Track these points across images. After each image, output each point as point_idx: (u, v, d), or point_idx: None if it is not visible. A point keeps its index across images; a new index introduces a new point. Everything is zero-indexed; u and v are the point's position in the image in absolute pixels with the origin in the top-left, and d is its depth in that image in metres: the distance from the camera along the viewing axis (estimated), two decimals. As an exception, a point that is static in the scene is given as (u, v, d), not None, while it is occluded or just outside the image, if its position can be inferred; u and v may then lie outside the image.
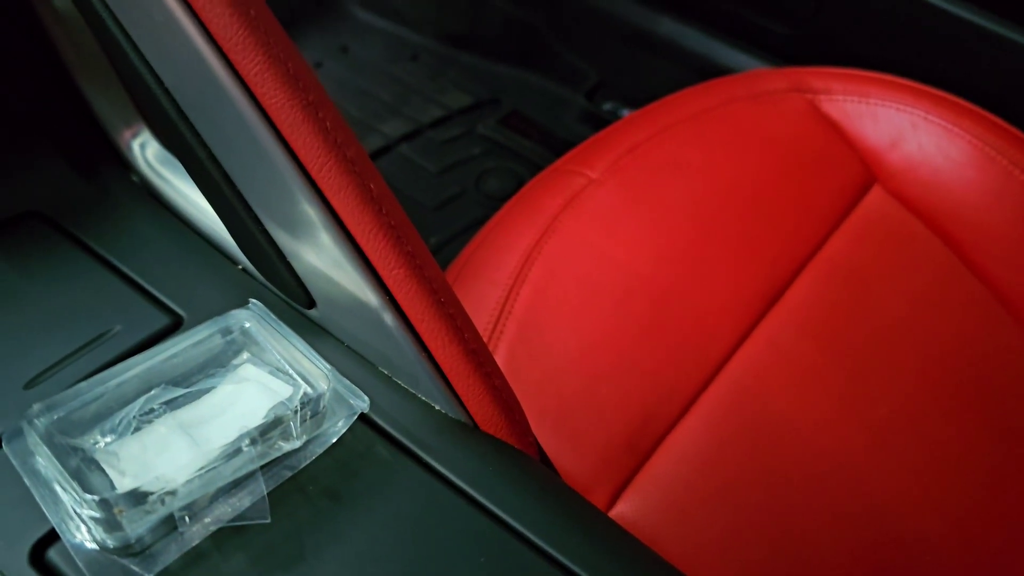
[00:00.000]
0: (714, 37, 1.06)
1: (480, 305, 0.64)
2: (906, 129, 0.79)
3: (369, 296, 0.36)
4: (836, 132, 0.79)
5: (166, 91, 0.36)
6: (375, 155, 1.10)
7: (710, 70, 1.07)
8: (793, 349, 0.66)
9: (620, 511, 0.57)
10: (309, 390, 0.35)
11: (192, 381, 0.36)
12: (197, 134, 0.37)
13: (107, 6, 0.36)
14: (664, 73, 1.09)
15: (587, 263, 0.67)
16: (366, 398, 0.36)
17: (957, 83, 0.82)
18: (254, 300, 0.39)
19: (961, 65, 0.89)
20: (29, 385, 0.37)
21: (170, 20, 0.33)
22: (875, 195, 0.77)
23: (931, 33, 0.90)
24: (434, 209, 1.04)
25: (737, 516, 0.58)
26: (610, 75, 1.14)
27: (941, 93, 0.79)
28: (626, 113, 1.14)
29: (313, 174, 0.34)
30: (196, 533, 0.31)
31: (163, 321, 0.40)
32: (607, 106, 1.14)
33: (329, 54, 1.23)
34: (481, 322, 0.64)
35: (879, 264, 0.72)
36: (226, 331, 0.37)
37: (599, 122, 1.12)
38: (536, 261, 0.66)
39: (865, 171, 0.77)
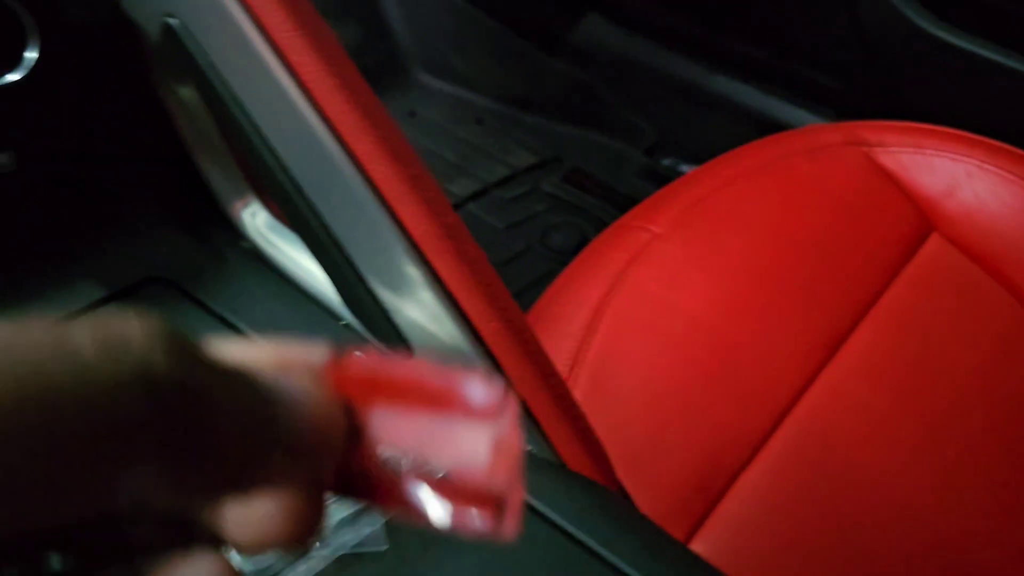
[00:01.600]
0: (769, 92, 1.10)
1: (554, 356, 0.68)
2: (961, 178, 0.81)
3: (465, 347, 0.40)
4: (892, 183, 0.82)
5: (285, 169, 0.41)
6: (443, 213, 1.15)
7: (766, 124, 1.10)
8: (858, 394, 0.67)
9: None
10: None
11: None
12: (311, 205, 0.42)
13: (235, 96, 0.41)
14: (721, 128, 1.13)
15: (654, 314, 0.70)
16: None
17: (1010, 132, 0.84)
18: (358, 353, 0.43)
19: (1013, 114, 0.91)
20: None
21: (294, 111, 0.38)
22: (933, 243, 0.79)
23: (982, 84, 0.92)
24: (502, 265, 1.08)
25: (809, 558, 0.59)
26: (668, 131, 1.19)
27: (994, 142, 0.81)
28: (685, 168, 1.18)
29: (416, 239, 0.39)
30: (322, 559, 0.35)
31: (278, 372, 0.44)
32: (666, 161, 1.18)
33: (398, 118, 1.30)
34: (555, 371, 0.67)
35: (940, 310, 0.74)
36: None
37: (659, 177, 1.16)
38: (605, 314, 0.70)
39: (922, 220, 0.79)
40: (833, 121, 1.08)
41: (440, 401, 0.19)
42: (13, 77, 0.41)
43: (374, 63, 1.31)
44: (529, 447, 0.41)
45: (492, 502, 0.19)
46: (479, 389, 0.18)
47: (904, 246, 0.78)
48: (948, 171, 0.82)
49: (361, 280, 0.43)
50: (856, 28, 0.99)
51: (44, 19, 0.41)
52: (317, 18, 0.39)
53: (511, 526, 0.19)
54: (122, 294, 0.49)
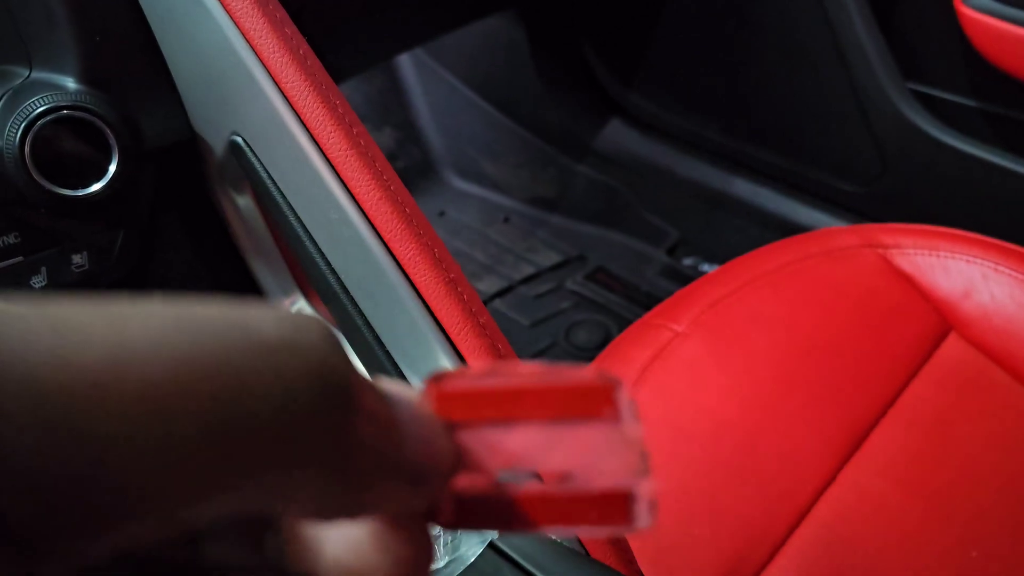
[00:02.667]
0: (787, 195, 1.14)
1: (578, 449, 0.70)
2: (977, 280, 0.84)
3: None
4: (909, 284, 0.84)
5: (334, 271, 0.45)
6: (472, 310, 1.19)
7: (784, 226, 1.14)
8: (879, 493, 0.68)
9: (717, 648, 0.60)
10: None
11: (348, 511, 0.42)
12: (355, 303, 0.45)
13: (290, 204, 0.46)
14: (741, 230, 1.17)
15: (676, 410, 0.72)
16: (495, 527, 0.42)
17: (1022, 236, 0.87)
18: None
19: (1025, 219, 0.94)
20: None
21: (344, 218, 0.42)
22: (952, 343, 0.81)
23: (994, 189, 0.96)
24: (528, 360, 1.11)
25: (833, 659, 0.60)
26: (690, 232, 1.23)
27: (1007, 245, 0.84)
28: (706, 267, 1.22)
29: (453, 337, 0.42)
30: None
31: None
32: (688, 261, 1.22)
33: (429, 218, 1.35)
34: (579, 465, 0.69)
35: (959, 409, 0.75)
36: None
37: (680, 276, 1.20)
38: (629, 409, 0.72)
39: (940, 320, 0.82)
40: (850, 223, 1.12)
41: (553, 403, 0.17)
42: (96, 188, 0.46)
43: (408, 166, 1.38)
44: (553, 536, 0.43)
45: (625, 498, 0.17)
46: (595, 381, 0.17)
47: (923, 346, 0.80)
48: (964, 273, 0.84)
49: (400, 374, 0.46)
50: (869, 135, 1.04)
51: (125, 140, 0.46)
52: (368, 138, 0.43)
53: (647, 517, 0.17)
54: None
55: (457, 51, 1.34)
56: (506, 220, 1.33)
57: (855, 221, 1.11)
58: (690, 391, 0.74)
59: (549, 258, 1.26)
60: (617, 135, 1.28)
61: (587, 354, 1.12)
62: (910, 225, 0.89)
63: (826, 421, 0.72)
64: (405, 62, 1.37)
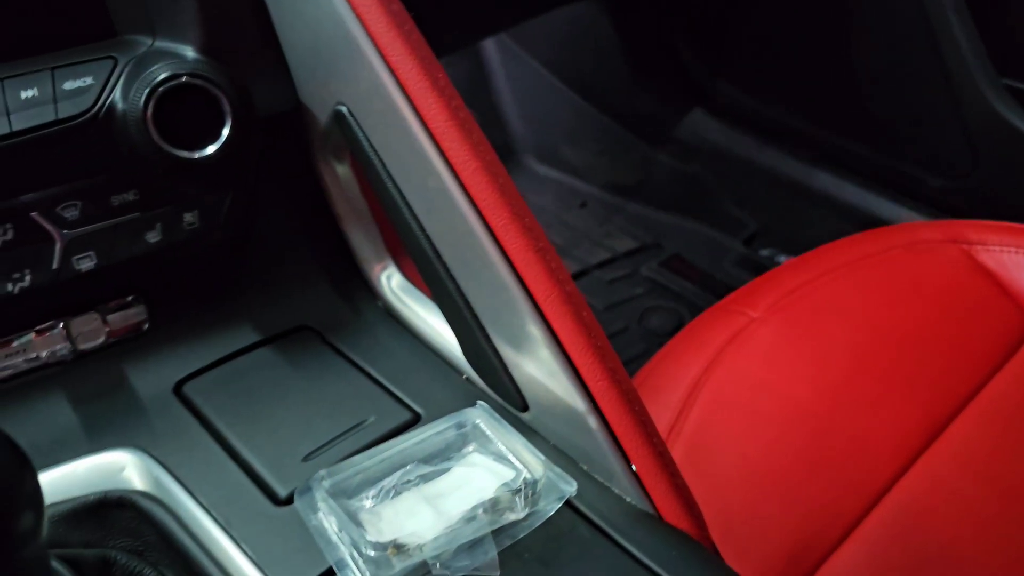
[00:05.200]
0: (869, 189, 1.13)
1: (650, 426, 0.71)
2: (1066, 280, 0.82)
3: (577, 402, 0.44)
4: (993, 281, 0.83)
5: (428, 237, 0.48)
6: (546, 292, 1.21)
7: (865, 220, 1.13)
8: (955, 483, 0.68)
9: (782, 626, 0.61)
10: (528, 475, 0.43)
11: (433, 463, 0.45)
12: (449, 270, 0.48)
13: (390, 174, 0.48)
14: (821, 222, 1.16)
15: (750, 393, 0.73)
16: (574, 483, 0.43)
17: (1119, 237, 0.84)
18: (481, 401, 0.48)
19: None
20: (306, 459, 0.47)
21: (441, 187, 0.44)
22: (1037, 342, 0.79)
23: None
24: (599, 342, 1.13)
25: (899, 647, 0.60)
26: (768, 223, 1.22)
27: (1100, 245, 0.81)
28: (784, 259, 1.21)
29: (540, 302, 0.44)
30: (441, 580, 0.39)
31: (406, 416, 0.50)
32: (765, 252, 1.21)
33: (507, 201, 1.37)
34: (651, 442, 0.70)
35: (1043, 409, 0.74)
36: (460, 425, 0.46)
37: (757, 267, 1.19)
38: (703, 390, 0.73)
39: (1024, 318, 0.80)
40: (934, 219, 1.10)
41: None
42: (211, 151, 0.49)
43: (488, 149, 1.40)
44: (628, 498, 0.45)
45: None
46: None
47: (1004, 343, 0.78)
48: (1051, 272, 0.83)
49: (486, 337, 0.48)
50: (959, 129, 1.02)
51: (238, 106, 0.49)
52: (466, 110, 0.45)
53: None
54: (274, 339, 0.56)
55: (542, 36, 1.35)
56: (583, 205, 1.34)
57: (939, 217, 1.09)
58: (765, 374, 0.74)
59: (625, 244, 1.27)
60: (699, 124, 1.28)
61: (659, 339, 1.13)
62: (997, 222, 0.87)
63: (902, 411, 0.72)
64: (490, 47, 1.39)
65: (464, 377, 0.53)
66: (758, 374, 0.75)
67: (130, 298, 0.55)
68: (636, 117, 1.32)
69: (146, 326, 0.56)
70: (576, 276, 1.24)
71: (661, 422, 0.70)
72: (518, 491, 0.42)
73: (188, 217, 0.53)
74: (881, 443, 0.70)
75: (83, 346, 0.54)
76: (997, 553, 0.63)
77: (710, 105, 1.26)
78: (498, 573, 0.40)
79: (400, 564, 0.38)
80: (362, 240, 0.59)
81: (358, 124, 0.49)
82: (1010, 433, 0.71)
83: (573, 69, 1.36)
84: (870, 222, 1.10)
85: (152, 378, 0.53)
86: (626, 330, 1.14)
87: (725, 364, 0.75)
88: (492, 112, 1.43)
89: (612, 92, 1.33)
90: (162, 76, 0.48)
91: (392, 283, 0.59)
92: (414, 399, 0.51)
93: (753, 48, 1.20)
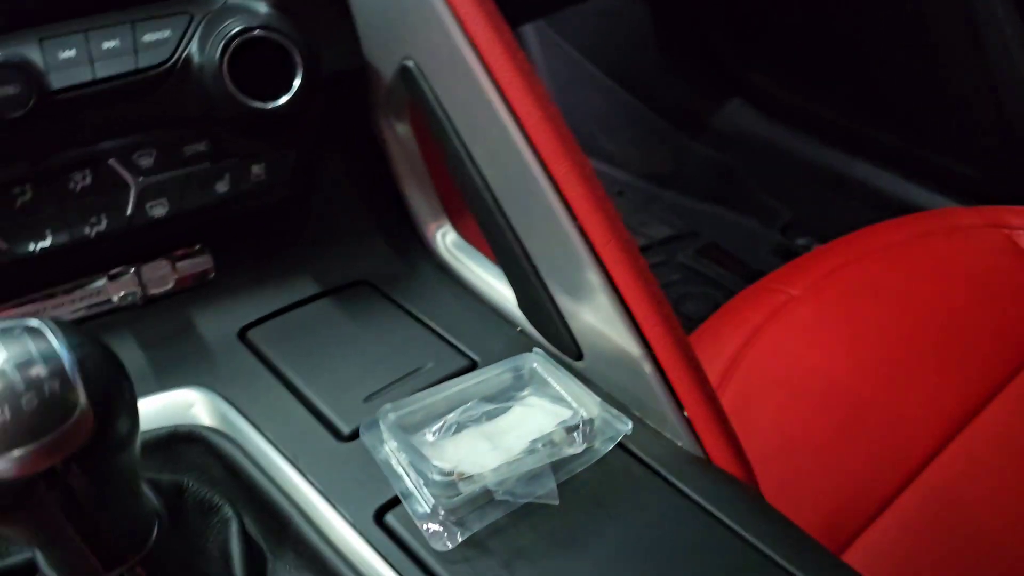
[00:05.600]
0: (906, 178, 1.13)
1: (691, 396, 0.72)
2: (1107, 265, 0.82)
3: (633, 348, 0.46)
4: (1034, 266, 0.83)
5: (489, 188, 0.49)
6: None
7: (902, 209, 1.13)
8: (991, 464, 0.68)
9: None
10: (584, 413, 0.44)
11: (493, 403, 0.46)
12: (509, 221, 0.49)
13: (455, 128, 0.50)
14: (857, 211, 1.17)
15: (788, 368, 0.74)
16: (629, 422, 0.45)
17: None
18: (537, 348, 0.49)
19: None
20: (367, 400, 0.49)
21: (505, 137, 0.46)
22: (1077, 327, 0.79)
23: None
24: (634, 325, 1.14)
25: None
26: (804, 212, 1.23)
27: None
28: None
29: (598, 249, 0.45)
30: (501, 508, 0.41)
31: (462, 362, 0.52)
32: (801, 241, 1.22)
33: (543, 189, 1.39)
34: (691, 411, 0.72)
35: (1082, 391, 0.74)
36: (516, 369, 0.48)
37: (793, 256, 1.20)
38: (740, 366, 0.74)
39: (1066, 303, 0.80)
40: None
41: None
42: (283, 100, 0.51)
43: (525, 136, 1.42)
44: (679, 443, 0.46)
45: None
46: None
47: (1045, 328, 0.79)
48: (1092, 259, 0.83)
49: (544, 287, 0.49)
50: (998, 114, 1.02)
51: (309, 60, 0.51)
52: (529, 65, 0.47)
53: None
54: (334, 291, 0.58)
55: (580, 25, 1.37)
56: (620, 193, 1.36)
57: (976, 205, 1.09)
58: (803, 351, 0.75)
59: (661, 232, 1.28)
60: (735, 114, 1.29)
61: (695, 324, 1.13)
62: (1039, 209, 0.88)
63: (939, 391, 0.73)
64: (529, 33, 1.41)
65: (518, 329, 0.55)
66: (796, 350, 0.76)
67: (198, 247, 0.57)
68: (671, 106, 1.34)
69: (212, 275, 0.58)
70: (611, 262, 1.25)
71: (702, 390, 0.71)
72: (575, 428, 0.44)
73: (255, 170, 0.55)
74: (918, 422, 0.70)
75: (153, 291, 0.56)
76: (1034, 524, 0.63)
77: (745, 94, 1.27)
78: (557, 502, 0.41)
79: (466, 488, 0.40)
80: (419, 199, 0.61)
81: (425, 78, 0.51)
82: (1049, 412, 0.71)
83: (608, 58, 1.38)
84: (906, 210, 1.10)
85: (218, 324, 0.56)
86: (661, 314, 1.15)
87: (764, 340, 0.76)
88: (530, 100, 1.44)
89: (647, 81, 1.34)
90: (236, 29, 0.50)
91: (447, 240, 0.61)
92: (470, 347, 0.53)
93: (787, 38, 1.21)
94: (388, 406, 0.45)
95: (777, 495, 0.66)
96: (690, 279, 1.20)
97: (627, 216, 1.32)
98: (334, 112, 0.59)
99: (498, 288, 0.56)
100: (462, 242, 0.60)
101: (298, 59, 0.51)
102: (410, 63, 0.51)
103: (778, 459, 0.68)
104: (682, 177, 1.33)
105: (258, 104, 0.51)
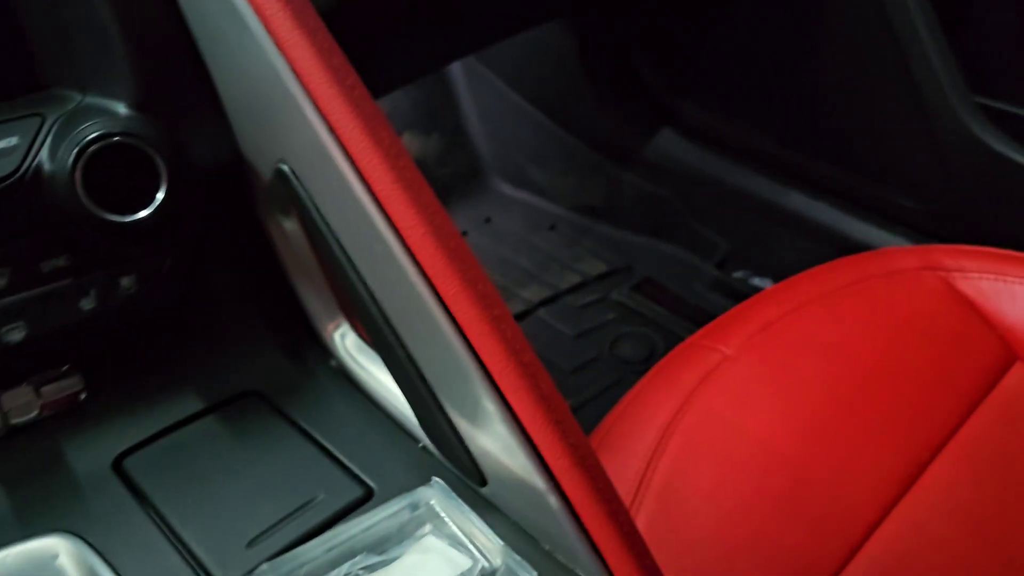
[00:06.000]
0: (843, 210, 1.11)
1: (621, 476, 0.68)
2: (1045, 307, 0.80)
3: (536, 480, 0.41)
4: (972, 310, 0.81)
5: (376, 302, 0.45)
6: (516, 319, 1.19)
7: (839, 241, 1.11)
8: (936, 530, 0.66)
9: None
10: (485, 563, 0.40)
11: (385, 549, 0.42)
12: (399, 337, 0.45)
13: (336, 237, 0.45)
14: (794, 244, 1.14)
15: (724, 438, 0.71)
16: (535, 573, 0.41)
17: (1095, 263, 0.83)
18: (436, 478, 0.45)
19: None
20: (250, 544, 0.44)
21: (388, 252, 0.42)
22: (1017, 373, 0.78)
23: (1064, 213, 0.92)
24: (571, 372, 1.10)
25: None
26: (741, 245, 1.20)
27: (1079, 272, 0.80)
28: (757, 281, 1.19)
29: (495, 376, 0.41)
30: None
31: (358, 492, 0.47)
32: (738, 274, 1.19)
33: (474, 225, 1.35)
34: (622, 493, 0.68)
35: None
36: (414, 505, 0.44)
37: (730, 290, 1.17)
38: (674, 435, 0.70)
39: (1005, 349, 0.79)
40: (909, 241, 1.08)
41: None
42: (145, 214, 0.46)
43: (455, 172, 1.37)
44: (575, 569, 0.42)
45: None
46: None
47: (986, 375, 0.77)
48: (1031, 299, 0.81)
49: (441, 410, 0.45)
50: (931, 148, 1.00)
51: (174, 165, 0.46)
52: (414, 170, 0.42)
53: None
54: (220, 405, 0.53)
55: (507, 58, 1.33)
56: (552, 228, 1.32)
57: (914, 239, 1.08)
58: (738, 417, 0.72)
59: (595, 267, 1.25)
60: (667, 144, 1.26)
61: (631, 367, 1.10)
62: (973, 248, 0.86)
63: (882, 453, 0.70)
64: (455, 67, 1.37)
65: (421, 446, 0.50)
66: (731, 417, 0.72)
67: (65, 367, 0.52)
68: (603, 137, 1.30)
69: (83, 396, 0.52)
70: (547, 302, 1.21)
71: (630, 471, 0.67)
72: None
73: (125, 282, 0.50)
74: (861, 488, 0.67)
75: (15, 420, 0.51)
76: (981, 606, 0.61)
77: (676, 125, 1.25)
78: None
79: (345, 678, 0.35)
80: (313, 297, 0.56)
81: (301, 183, 0.46)
82: (992, 473, 0.69)
83: (539, 90, 1.34)
84: (843, 243, 1.09)
85: (90, 453, 0.50)
86: (597, 359, 1.12)
87: (697, 406, 0.72)
88: (458, 133, 1.40)
89: (579, 113, 1.31)
90: (92, 135, 0.45)
91: (346, 342, 0.56)
92: (367, 472, 0.48)
93: (718, 68, 1.18)
94: (265, 566, 0.40)
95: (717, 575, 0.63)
96: (626, 318, 1.16)
97: (560, 250, 1.28)
98: (216, 208, 0.54)
99: (401, 397, 0.52)
100: (363, 344, 0.56)
101: (162, 167, 0.46)
102: (285, 167, 0.46)
103: (717, 541, 0.65)
104: (616, 209, 1.30)
105: (117, 218, 0.46)
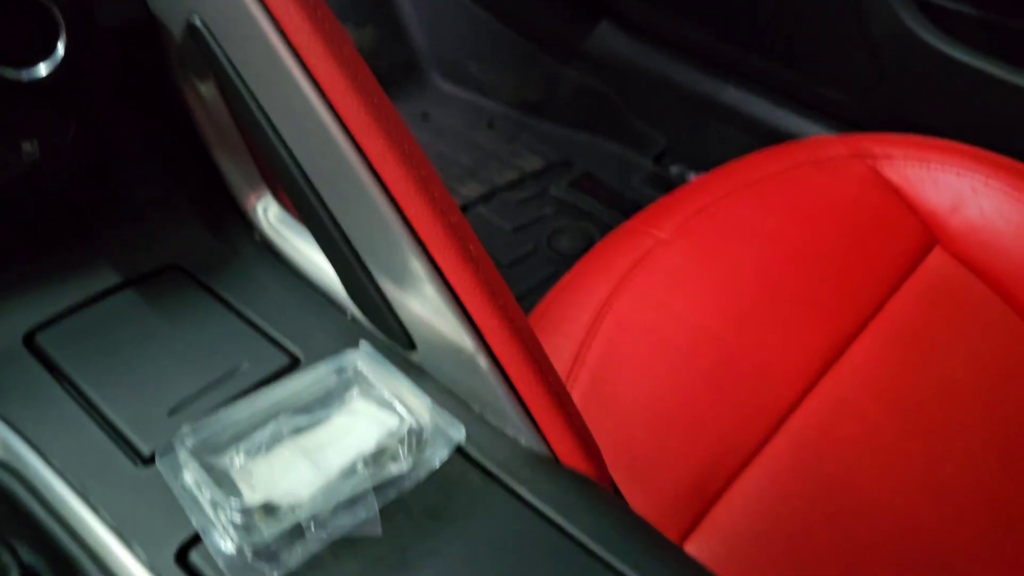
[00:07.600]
0: (777, 104, 1.11)
1: (555, 356, 0.69)
2: (966, 193, 0.82)
3: (466, 341, 0.41)
4: (897, 196, 0.83)
5: (299, 165, 0.43)
6: (453, 215, 1.17)
7: (773, 135, 1.11)
8: (856, 406, 0.68)
9: (686, 552, 0.60)
10: (414, 422, 0.40)
11: (311, 412, 0.41)
12: (323, 201, 0.43)
13: (253, 93, 0.43)
14: (729, 138, 1.14)
15: (655, 318, 0.71)
16: (463, 429, 0.41)
17: (1016, 149, 0.85)
18: (364, 341, 0.44)
19: (1020, 131, 0.91)
20: (172, 413, 0.43)
21: (309, 110, 0.40)
22: (936, 256, 0.80)
23: (988, 100, 0.93)
24: (508, 266, 1.10)
25: (801, 569, 0.60)
26: (677, 140, 1.20)
27: (1000, 158, 0.82)
28: (693, 176, 1.20)
29: (422, 236, 0.40)
30: (317, 542, 0.36)
31: (283, 360, 0.46)
32: (674, 169, 1.19)
33: (411, 121, 1.32)
34: (557, 371, 0.68)
35: (941, 323, 0.74)
36: (340, 369, 0.43)
37: (666, 184, 1.18)
38: (607, 316, 0.71)
39: (926, 233, 0.80)
40: (840, 133, 1.09)
41: None
42: (43, 70, 0.43)
43: (390, 66, 1.33)
44: (522, 441, 0.42)
45: None
46: None
47: (907, 259, 0.79)
48: (953, 186, 0.83)
49: (368, 274, 0.44)
50: (865, 42, 1.00)
51: (74, 17, 0.43)
52: (335, 23, 0.40)
53: None
54: (138, 280, 0.51)
55: (442, -56, 1.27)
56: (490, 125, 1.29)
57: (847, 131, 1.09)
58: (670, 299, 0.73)
59: (533, 163, 1.23)
60: (606, 38, 1.24)
61: (569, 260, 1.10)
62: (901, 136, 0.87)
63: (806, 333, 0.72)
64: (388, -47, 1.31)
65: (348, 316, 0.50)
66: (664, 299, 0.73)
67: (-32, 240, 0.49)
68: (542, 31, 1.27)
69: (-10, 270, 0.50)
70: (485, 197, 1.20)
71: (564, 352, 0.68)
72: (402, 440, 0.39)
73: (27, 147, 0.47)
74: (785, 367, 0.69)
75: (-84, 295, 0.48)
76: (899, 476, 0.64)
77: (614, 18, 1.22)
78: (379, 531, 0.37)
79: (269, 530, 0.35)
80: (234, 167, 0.54)
81: (215, 39, 0.43)
82: (909, 351, 0.71)
83: (476, -20, 1.29)
84: (779, 137, 1.09)
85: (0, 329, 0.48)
86: (535, 252, 1.11)
87: (630, 289, 0.73)
88: (394, 25, 1.35)
89: (517, 6, 1.27)
90: (-20, -19, 0.42)
91: (269, 214, 0.54)
92: (293, 341, 0.47)
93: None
94: (186, 428, 0.39)
95: (647, 454, 0.65)
96: (564, 212, 1.16)
97: (499, 147, 1.26)
98: (128, 73, 0.51)
99: (326, 268, 0.50)
100: (287, 216, 0.54)
101: (60, 18, 0.43)
102: (197, 21, 0.43)
103: (646, 417, 0.66)
104: (554, 105, 1.28)
105: (12, 73, 0.43)
